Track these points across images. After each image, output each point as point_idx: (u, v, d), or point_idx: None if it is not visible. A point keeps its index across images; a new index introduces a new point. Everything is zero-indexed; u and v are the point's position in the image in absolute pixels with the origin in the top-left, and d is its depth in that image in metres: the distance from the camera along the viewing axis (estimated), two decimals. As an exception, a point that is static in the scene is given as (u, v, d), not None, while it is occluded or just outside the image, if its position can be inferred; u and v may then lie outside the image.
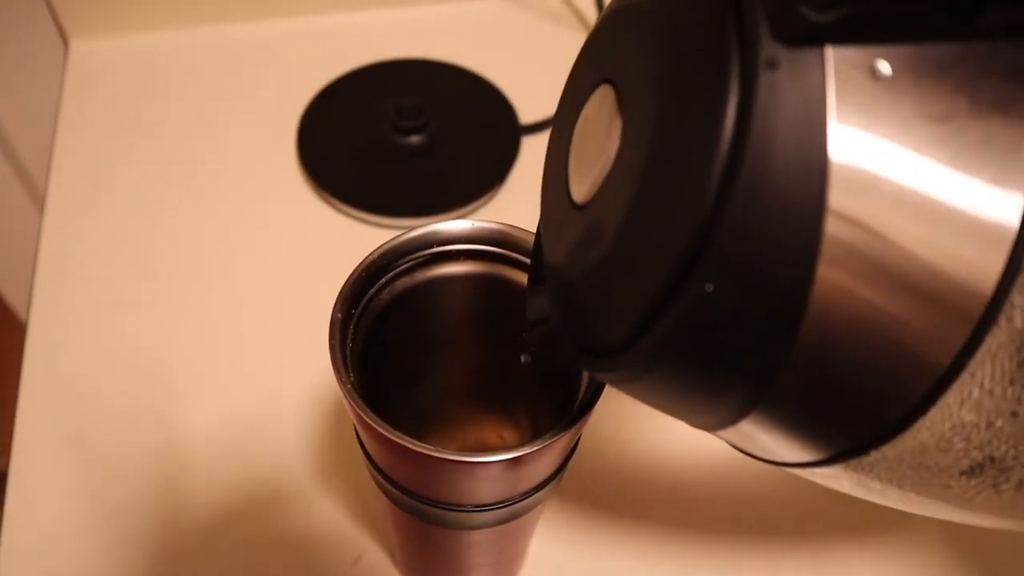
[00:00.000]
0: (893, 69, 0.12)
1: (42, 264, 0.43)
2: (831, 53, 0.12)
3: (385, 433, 0.20)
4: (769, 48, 0.12)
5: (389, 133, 0.48)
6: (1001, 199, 0.12)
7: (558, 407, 0.24)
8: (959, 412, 0.14)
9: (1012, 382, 0.13)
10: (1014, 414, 0.14)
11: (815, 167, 0.12)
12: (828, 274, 0.13)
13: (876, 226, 0.12)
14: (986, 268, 0.13)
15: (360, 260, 0.23)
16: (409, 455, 0.20)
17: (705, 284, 0.13)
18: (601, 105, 0.17)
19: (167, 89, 0.52)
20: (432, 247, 0.24)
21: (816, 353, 0.13)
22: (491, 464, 0.20)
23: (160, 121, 0.50)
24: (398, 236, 0.23)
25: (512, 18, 0.58)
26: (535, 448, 0.20)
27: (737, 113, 0.12)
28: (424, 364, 0.27)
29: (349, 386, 0.21)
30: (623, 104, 0.16)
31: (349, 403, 0.21)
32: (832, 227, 0.12)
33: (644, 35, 0.15)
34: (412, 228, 0.23)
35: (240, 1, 0.54)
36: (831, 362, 0.14)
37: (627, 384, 0.16)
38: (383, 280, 0.24)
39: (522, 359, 0.25)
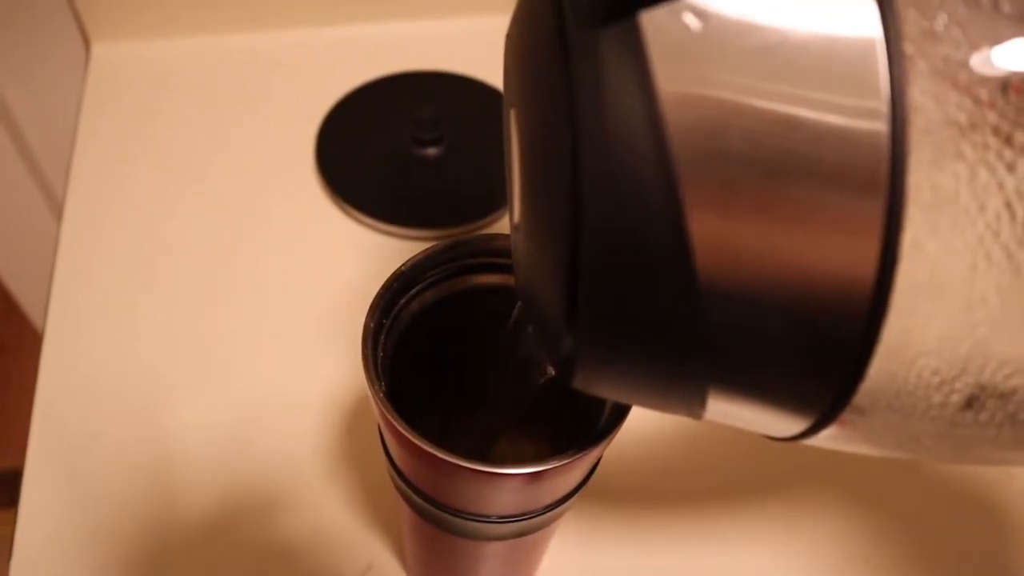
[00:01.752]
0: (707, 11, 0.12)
1: (59, 271, 0.44)
2: (644, 18, 0.12)
3: (417, 442, 0.20)
4: (580, 36, 0.13)
5: (407, 144, 0.48)
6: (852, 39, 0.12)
7: (583, 421, 0.24)
8: (915, 332, 0.13)
9: (973, 269, 0.12)
10: (973, 323, 0.13)
11: (652, 125, 0.12)
12: (700, 218, 0.13)
13: (732, 156, 0.12)
14: (869, 122, 0.12)
15: (383, 269, 0.24)
16: (438, 464, 0.21)
17: (593, 268, 0.13)
18: (512, 129, 0.18)
19: (187, 96, 0.52)
20: (462, 259, 0.24)
21: (728, 306, 0.13)
22: (519, 476, 0.21)
23: (179, 128, 0.50)
24: (430, 247, 0.24)
25: (530, 34, 0.58)
26: (563, 462, 0.20)
27: (568, 105, 0.13)
28: (449, 373, 0.28)
29: (381, 395, 0.21)
30: (517, 124, 0.17)
31: (380, 411, 0.21)
32: (687, 175, 0.12)
33: (512, 56, 0.17)
34: (442, 240, 0.24)
35: (262, 10, 0.54)
36: (751, 313, 0.13)
37: (591, 384, 0.16)
38: (414, 291, 0.24)
39: (542, 374, 0.25)
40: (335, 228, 0.46)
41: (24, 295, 0.69)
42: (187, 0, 0.53)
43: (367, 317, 0.22)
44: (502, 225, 0.47)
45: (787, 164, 0.12)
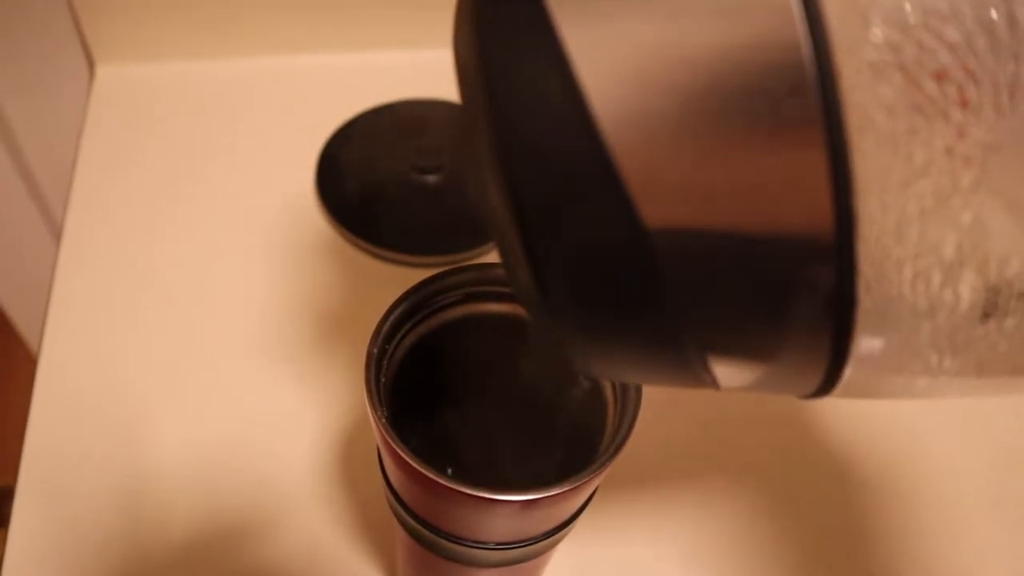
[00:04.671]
0: None
1: (56, 293, 0.44)
2: None
3: (419, 468, 0.20)
4: (489, 10, 0.13)
5: (407, 172, 0.49)
6: None
7: (582, 449, 0.24)
8: (890, 235, 0.12)
9: (926, 173, 0.11)
10: (952, 213, 0.11)
11: (567, 85, 0.12)
12: (633, 163, 0.12)
13: (652, 95, 0.12)
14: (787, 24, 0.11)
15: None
16: (440, 491, 0.21)
17: (540, 233, 0.13)
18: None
19: (189, 119, 0.53)
20: (468, 287, 0.24)
21: (687, 253, 0.13)
22: (519, 503, 0.21)
23: (180, 152, 0.51)
24: (436, 274, 0.24)
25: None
26: (565, 489, 0.20)
27: (483, 66, 0.13)
28: (450, 399, 0.28)
29: (384, 421, 0.21)
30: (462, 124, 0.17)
31: (382, 436, 0.21)
32: (608, 128, 0.12)
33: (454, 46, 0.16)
34: (441, 267, 0.24)
35: (267, 36, 0.55)
36: (709, 255, 0.13)
37: (590, 363, 0.16)
38: (418, 316, 0.24)
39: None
40: (334, 254, 0.46)
41: (20, 316, 0.69)
42: (193, 24, 0.54)
43: (370, 343, 0.23)
44: (500, 253, 0.47)
45: (707, 86, 0.11)
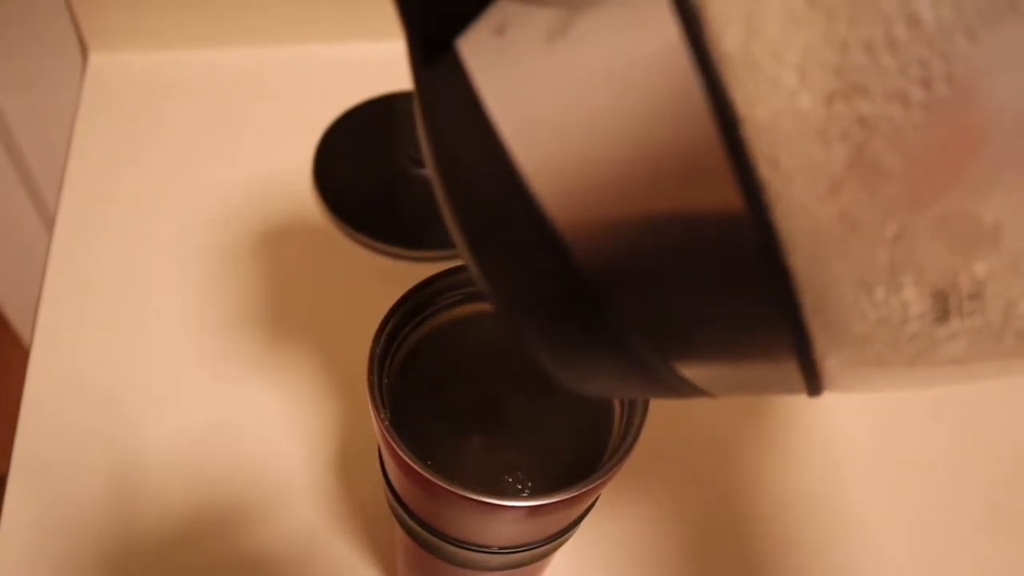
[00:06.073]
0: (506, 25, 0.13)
1: (49, 284, 0.43)
2: (460, 45, 0.14)
3: (423, 472, 0.20)
4: (421, 73, 0.14)
5: (406, 164, 0.48)
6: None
7: (587, 452, 0.24)
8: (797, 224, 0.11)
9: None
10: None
11: (489, 137, 0.13)
12: (559, 211, 0.13)
13: (571, 151, 0.12)
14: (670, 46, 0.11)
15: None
16: (444, 495, 0.20)
17: (480, 252, 0.15)
18: None
19: (184, 108, 0.52)
20: (469, 287, 0.24)
21: (608, 255, 0.13)
22: (524, 508, 0.20)
23: (175, 140, 0.50)
24: (440, 272, 0.24)
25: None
26: (571, 495, 0.20)
27: (427, 128, 0.14)
28: (452, 400, 0.27)
29: (387, 422, 0.21)
30: None
31: (385, 439, 0.21)
32: (530, 174, 0.13)
33: None
34: (440, 260, 0.24)
35: (263, 25, 0.54)
36: (646, 274, 0.13)
37: (566, 377, 0.16)
38: (421, 316, 0.24)
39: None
40: (331, 246, 0.46)
41: (12, 305, 0.69)
42: (188, 12, 0.53)
43: (373, 343, 0.22)
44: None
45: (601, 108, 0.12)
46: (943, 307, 0.12)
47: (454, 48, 0.14)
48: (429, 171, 0.15)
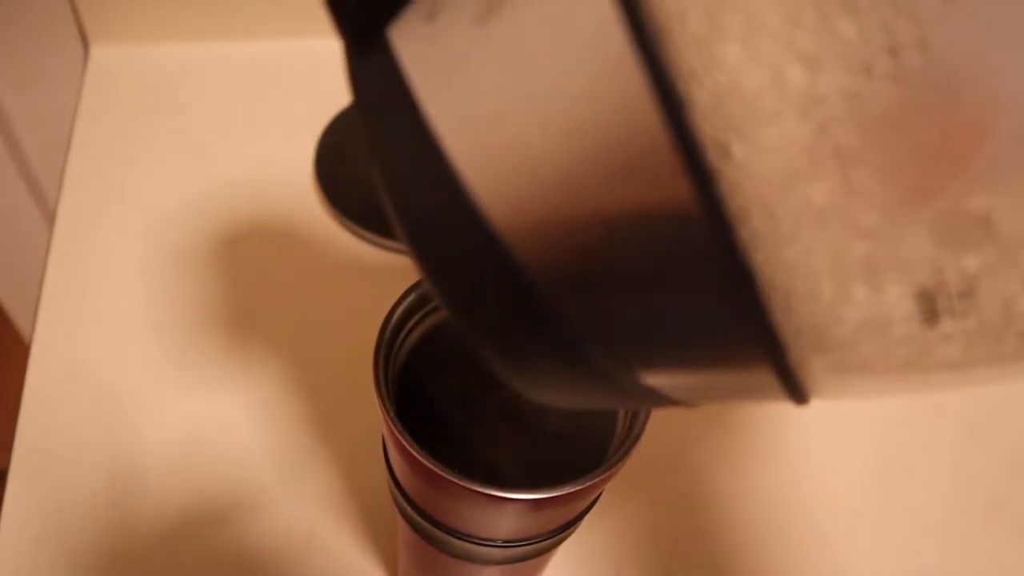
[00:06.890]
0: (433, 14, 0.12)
1: (49, 279, 0.43)
2: (392, 33, 0.13)
3: (429, 465, 0.20)
4: (353, 64, 0.14)
5: (408, 160, 0.48)
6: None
7: (591, 446, 0.24)
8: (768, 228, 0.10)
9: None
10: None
11: (422, 132, 0.12)
12: (496, 208, 0.12)
13: (511, 147, 0.11)
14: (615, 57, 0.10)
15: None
16: (450, 487, 0.20)
17: (424, 257, 0.13)
18: None
19: (185, 102, 0.52)
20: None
21: (552, 258, 0.12)
22: (532, 501, 0.20)
23: (176, 134, 0.50)
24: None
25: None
26: (579, 487, 0.20)
27: (361, 122, 0.14)
28: (456, 393, 0.27)
29: (393, 414, 0.21)
30: None
31: (390, 431, 0.21)
32: (464, 167, 0.12)
33: None
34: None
35: (264, 19, 0.54)
36: (599, 285, 0.12)
37: (522, 384, 0.15)
38: (427, 308, 0.24)
39: None
40: (333, 240, 0.46)
41: (12, 300, 0.68)
42: (191, 6, 0.53)
43: (379, 334, 0.22)
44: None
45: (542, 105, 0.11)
46: (931, 307, 0.11)
47: (386, 37, 0.13)
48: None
